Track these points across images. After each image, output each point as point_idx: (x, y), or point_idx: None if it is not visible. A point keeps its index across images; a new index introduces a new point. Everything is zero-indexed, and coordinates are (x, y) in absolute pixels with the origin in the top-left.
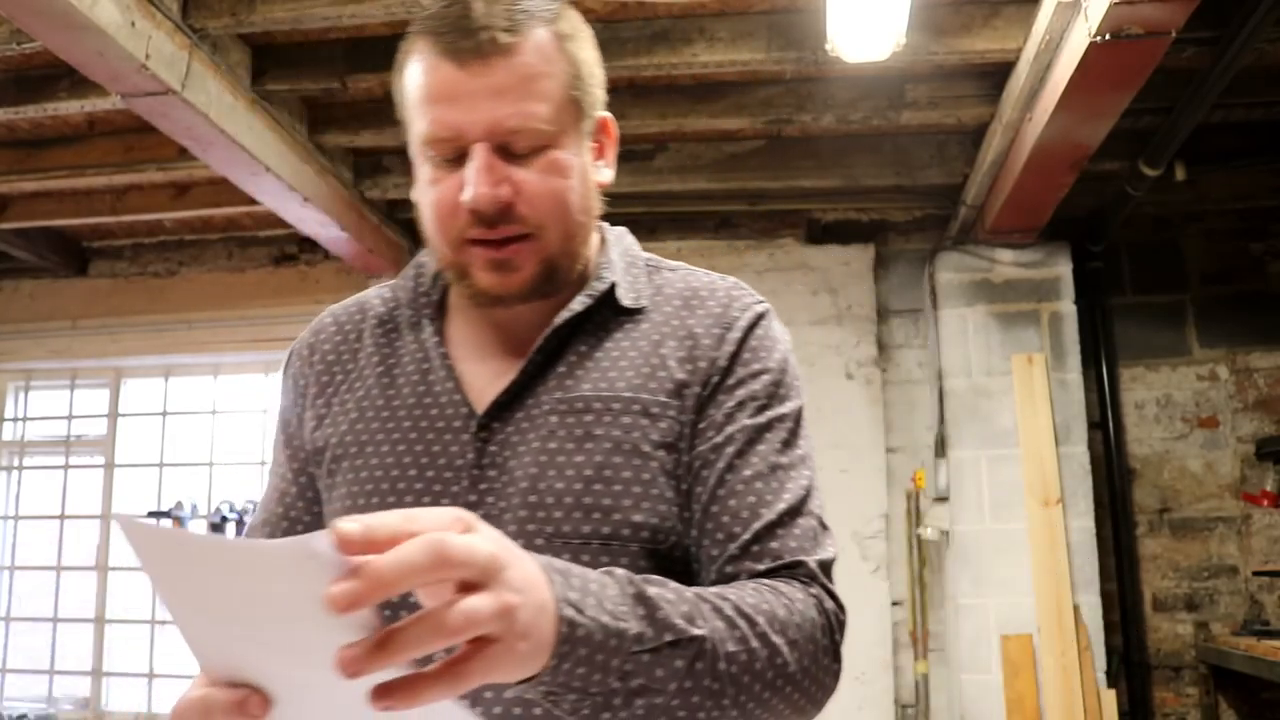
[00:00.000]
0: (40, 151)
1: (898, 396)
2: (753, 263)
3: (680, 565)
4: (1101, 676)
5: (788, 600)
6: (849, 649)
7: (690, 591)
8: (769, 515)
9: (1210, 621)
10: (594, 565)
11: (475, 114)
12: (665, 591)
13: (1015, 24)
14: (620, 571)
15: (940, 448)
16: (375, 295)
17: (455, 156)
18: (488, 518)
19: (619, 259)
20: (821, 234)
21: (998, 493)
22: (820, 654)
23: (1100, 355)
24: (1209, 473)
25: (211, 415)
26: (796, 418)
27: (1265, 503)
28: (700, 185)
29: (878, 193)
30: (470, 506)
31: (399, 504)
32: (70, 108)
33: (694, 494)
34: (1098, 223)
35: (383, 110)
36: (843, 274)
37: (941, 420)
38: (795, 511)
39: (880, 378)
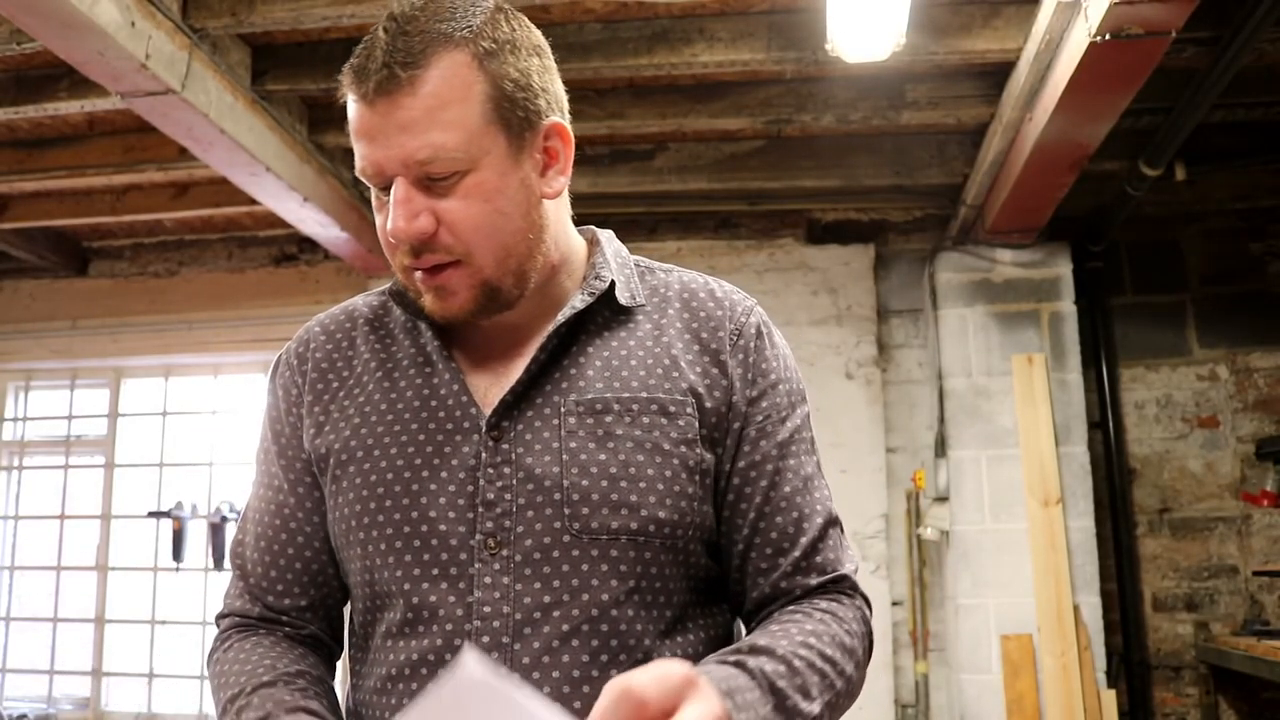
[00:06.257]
0: (40, 151)
1: (898, 396)
2: (753, 263)
3: (691, 556)
4: (1101, 676)
5: (847, 626)
6: None
7: (794, 651)
8: (811, 531)
9: (1210, 621)
10: (622, 559)
11: (389, 150)
12: (780, 667)
13: (1015, 24)
14: (751, 663)
15: (940, 448)
16: (362, 302)
17: (387, 186)
18: (507, 514)
19: (612, 259)
20: (821, 234)
21: (998, 493)
22: (866, 658)
23: (1100, 355)
24: (1209, 473)
25: (211, 415)
26: (808, 420)
27: (1265, 503)
28: (700, 185)
29: (878, 193)
30: (488, 505)
31: (412, 504)
32: (70, 108)
33: (737, 509)
34: (1098, 223)
35: None
36: (843, 274)
37: (941, 420)
38: (829, 522)
39: (880, 378)
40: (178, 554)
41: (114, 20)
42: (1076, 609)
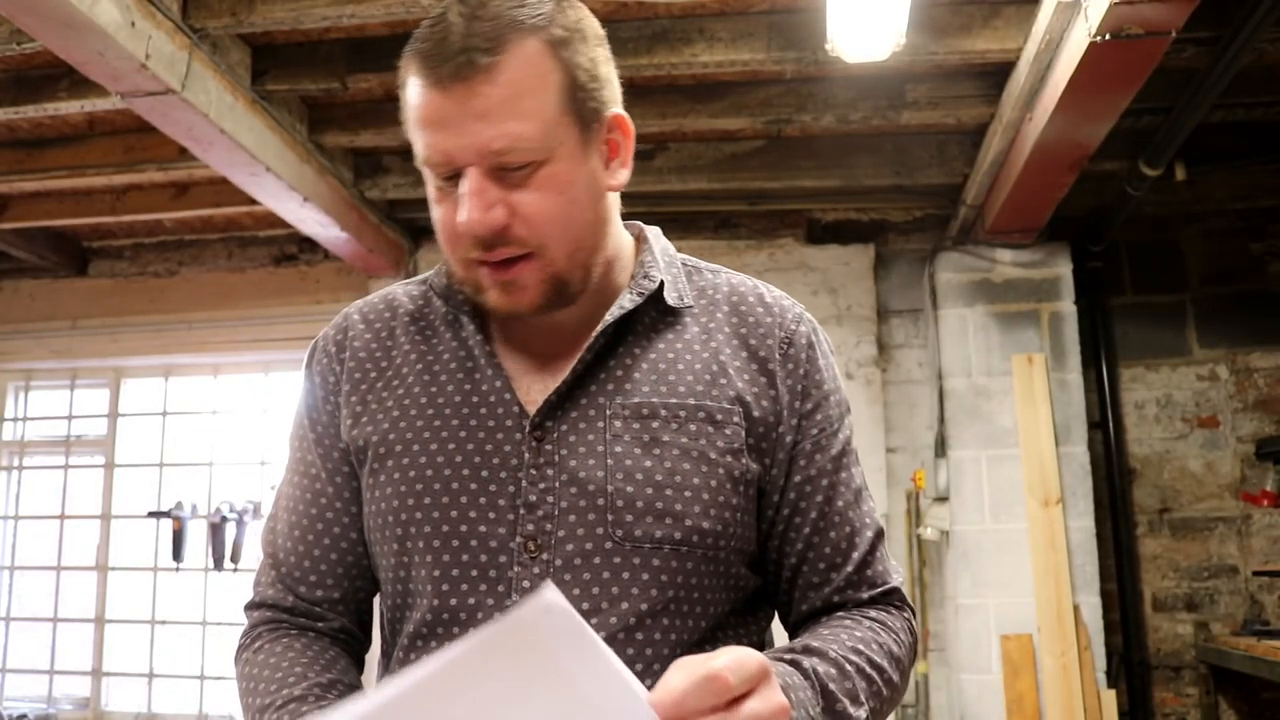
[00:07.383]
0: (40, 151)
1: (898, 396)
2: (753, 263)
3: (731, 567)
4: (1101, 676)
5: (895, 636)
6: None
7: (845, 655)
8: (863, 546)
9: (1210, 621)
10: (663, 568)
11: (463, 139)
12: (831, 669)
13: (1015, 24)
14: (806, 663)
15: (940, 448)
16: (403, 292)
17: (453, 175)
18: (548, 517)
19: (660, 257)
20: (821, 234)
21: (998, 493)
22: (910, 666)
23: (1100, 355)
24: (1209, 473)
25: (211, 415)
26: (852, 431)
27: (1265, 503)
28: (700, 185)
29: (878, 193)
30: (529, 507)
31: (452, 503)
32: (70, 108)
33: (792, 524)
34: (1098, 223)
35: (383, 110)
36: (843, 274)
37: (941, 420)
38: (878, 536)
39: (880, 378)
40: (178, 554)
41: (114, 20)
42: (1076, 609)
